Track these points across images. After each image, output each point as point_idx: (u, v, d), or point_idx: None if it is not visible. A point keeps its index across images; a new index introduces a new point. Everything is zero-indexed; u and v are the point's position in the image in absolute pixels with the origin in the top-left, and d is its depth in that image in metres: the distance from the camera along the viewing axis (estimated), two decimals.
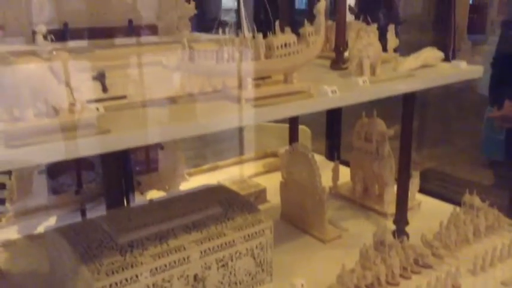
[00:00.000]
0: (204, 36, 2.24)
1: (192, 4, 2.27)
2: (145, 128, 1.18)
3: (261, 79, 1.53)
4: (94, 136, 1.08)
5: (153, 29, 2.24)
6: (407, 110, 1.94)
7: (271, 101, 1.41)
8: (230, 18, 2.15)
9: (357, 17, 2.19)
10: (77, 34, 1.95)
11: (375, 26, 2.09)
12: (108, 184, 1.79)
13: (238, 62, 1.38)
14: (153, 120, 1.25)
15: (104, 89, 1.35)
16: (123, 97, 1.39)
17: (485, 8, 6.35)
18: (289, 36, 1.48)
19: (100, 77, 1.34)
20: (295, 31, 1.54)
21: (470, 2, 6.46)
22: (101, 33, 1.98)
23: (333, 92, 1.50)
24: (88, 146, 1.07)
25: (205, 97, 1.47)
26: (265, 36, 1.49)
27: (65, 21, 1.93)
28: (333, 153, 3.01)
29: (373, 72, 1.75)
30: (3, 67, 1.02)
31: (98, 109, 1.14)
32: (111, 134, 1.10)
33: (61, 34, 1.93)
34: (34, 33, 1.95)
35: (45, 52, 1.07)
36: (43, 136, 1.02)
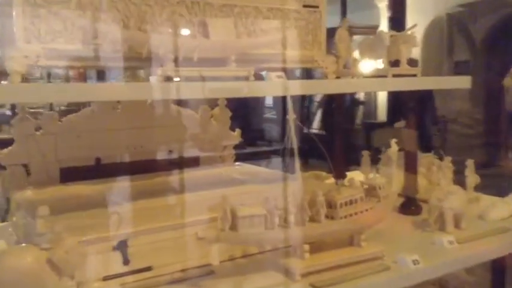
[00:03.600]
0: (247, 167, 2.01)
1: (238, 132, 2.08)
2: None
3: None
4: None
5: (194, 160, 2.04)
6: None
7: (336, 276, 1.09)
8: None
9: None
10: (110, 169, 1.76)
11: (448, 159, 1.80)
12: None
13: (293, 227, 1.10)
14: None
15: (125, 261, 1.08)
16: (148, 269, 1.11)
17: None
18: (355, 191, 1.20)
19: (121, 247, 1.08)
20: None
21: None
22: (136, 168, 1.78)
23: (415, 263, 1.16)
24: None
25: (249, 266, 1.17)
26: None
27: (97, 156, 1.75)
28: None
29: (457, 224, 1.42)
30: None
31: None
32: None
33: (92, 171, 1.75)
34: (62, 170, 1.82)
35: (45, 240, 0.82)
36: None
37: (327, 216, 1.15)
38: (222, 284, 1.08)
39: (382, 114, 7.15)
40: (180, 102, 2.91)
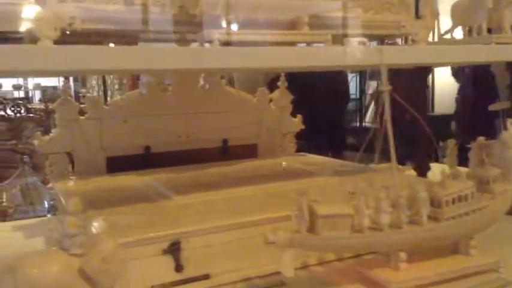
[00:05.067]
0: (313, 157, 1.78)
1: (299, 119, 1.85)
2: None
3: None
4: None
5: (252, 150, 1.83)
6: None
7: None
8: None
9: None
10: (161, 159, 1.58)
11: None
12: None
13: (387, 231, 0.86)
14: None
15: (178, 268, 0.89)
16: (206, 277, 0.91)
17: None
18: (464, 185, 0.94)
19: (173, 250, 0.88)
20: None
21: None
22: (189, 157, 1.59)
23: None
24: None
25: (326, 276, 0.95)
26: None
27: (147, 145, 1.58)
28: None
29: None
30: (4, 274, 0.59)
31: None
32: None
33: (142, 160, 1.58)
34: (108, 159, 1.66)
35: (75, 243, 0.63)
36: None
37: (429, 217, 0.90)
38: None
39: (446, 103, 6.62)
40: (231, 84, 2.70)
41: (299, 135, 1.88)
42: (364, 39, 1.04)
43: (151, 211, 1.01)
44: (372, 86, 7.12)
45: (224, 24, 0.93)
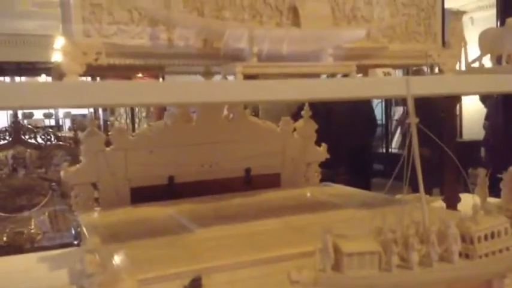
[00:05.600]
0: (338, 188, 1.75)
1: (324, 148, 1.83)
2: None
3: None
4: None
5: (275, 179, 1.81)
6: None
7: None
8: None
9: None
10: (184, 189, 1.58)
11: None
12: None
13: (417, 269, 0.82)
14: None
15: None
16: None
17: None
18: (497, 220, 0.89)
19: (194, 286, 0.86)
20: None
21: None
22: (212, 187, 1.58)
23: None
24: None
25: None
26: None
27: (170, 175, 1.58)
28: None
29: None
30: None
31: None
32: None
33: (166, 190, 1.58)
34: (132, 190, 1.66)
35: (94, 284, 0.62)
36: None
37: (460, 254, 0.86)
38: None
39: (472, 129, 6.46)
40: (256, 114, 2.70)
41: (325, 164, 1.86)
42: (390, 70, 1.02)
43: (173, 244, 1.00)
44: (397, 111, 7.04)
45: (248, 56, 0.93)
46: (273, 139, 1.73)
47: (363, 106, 3.75)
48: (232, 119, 1.65)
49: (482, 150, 4.72)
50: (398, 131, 6.81)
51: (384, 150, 7.12)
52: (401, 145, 6.87)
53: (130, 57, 0.89)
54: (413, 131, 0.84)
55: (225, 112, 1.66)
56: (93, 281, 0.60)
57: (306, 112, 1.78)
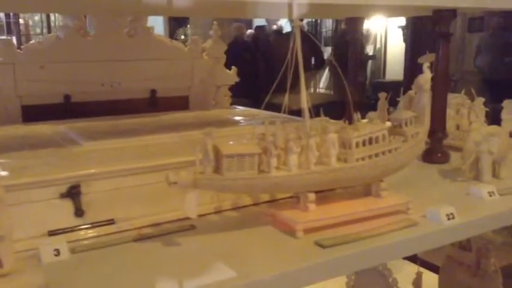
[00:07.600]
0: (244, 110, 1.74)
1: (234, 71, 1.80)
2: None
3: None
4: None
5: (182, 102, 1.77)
6: None
7: (349, 234, 0.85)
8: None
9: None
10: (83, 109, 1.50)
11: (481, 100, 1.53)
12: None
13: (295, 171, 0.84)
14: None
15: (78, 212, 0.84)
16: (110, 222, 0.87)
17: None
18: (375, 127, 0.93)
19: (72, 193, 0.83)
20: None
21: None
22: (114, 108, 1.52)
23: (450, 217, 0.91)
24: None
25: (239, 220, 0.93)
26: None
27: (66, 93, 1.49)
28: None
29: (495, 173, 1.17)
30: None
31: None
32: None
33: (61, 110, 1.49)
34: (24, 108, 1.55)
35: None
36: None
37: (339, 159, 0.89)
38: (203, 242, 0.83)
39: (395, 71, 6.68)
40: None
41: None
42: None
43: (55, 155, 0.95)
44: (326, 51, 7.08)
45: None
46: (181, 59, 1.67)
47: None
48: (135, 34, 1.56)
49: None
50: (327, 70, 6.91)
51: (312, 90, 7.22)
52: (329, 85, 7.01)
53: None
54: (297, 32, 0.83)
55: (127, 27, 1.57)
56: None
57: (214, 31, 1.72)
